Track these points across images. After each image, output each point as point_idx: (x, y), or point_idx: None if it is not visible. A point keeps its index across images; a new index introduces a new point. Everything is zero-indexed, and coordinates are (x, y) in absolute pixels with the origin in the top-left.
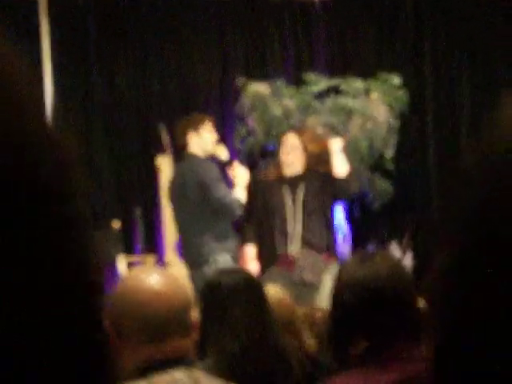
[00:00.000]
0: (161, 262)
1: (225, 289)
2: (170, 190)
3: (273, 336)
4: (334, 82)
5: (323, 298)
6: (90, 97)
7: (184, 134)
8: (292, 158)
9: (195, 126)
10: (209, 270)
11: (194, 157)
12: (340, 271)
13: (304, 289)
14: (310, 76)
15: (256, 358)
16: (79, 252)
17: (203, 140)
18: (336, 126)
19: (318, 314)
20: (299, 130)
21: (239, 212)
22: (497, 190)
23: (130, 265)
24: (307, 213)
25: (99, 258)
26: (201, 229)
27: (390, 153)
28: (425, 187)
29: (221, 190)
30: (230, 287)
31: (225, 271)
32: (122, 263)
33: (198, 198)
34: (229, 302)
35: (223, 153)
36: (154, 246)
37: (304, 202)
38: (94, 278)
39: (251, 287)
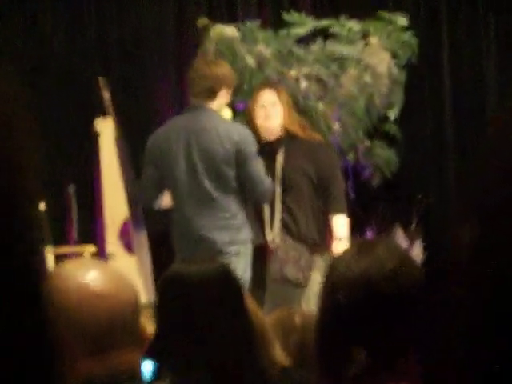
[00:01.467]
0: (101, 254)
1: (190, 284)
2: (162, 148)
3: (253, 349)
4: (323, 23)
5: (310, 299)
6: (8, 41)
7: (218, 88)
8: (271, 122)
9: (230, 83)
10: (237, 264)
11: (219, 117)
12: (332, 265)
13: (285, 287)
14: (292, 16)
15: (232, 379)
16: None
17: (225, 100)
18: (325, 79)
19: (298, 318)
20: (276, 84)
21: (269, 199)
22: None
23: (61, 258)
24: (288, 187)
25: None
26: (234, 209)
27: (393, 113)
28: (438, 158)
29: (261, 167)
30: (198, 282)
31: (190, 260)
32: (49, 256)
33: (232, 170)
34: (196, 303)
35: (228, 115)
36: (92, 233)
37: (283, 172)
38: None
39: (226, 282)
